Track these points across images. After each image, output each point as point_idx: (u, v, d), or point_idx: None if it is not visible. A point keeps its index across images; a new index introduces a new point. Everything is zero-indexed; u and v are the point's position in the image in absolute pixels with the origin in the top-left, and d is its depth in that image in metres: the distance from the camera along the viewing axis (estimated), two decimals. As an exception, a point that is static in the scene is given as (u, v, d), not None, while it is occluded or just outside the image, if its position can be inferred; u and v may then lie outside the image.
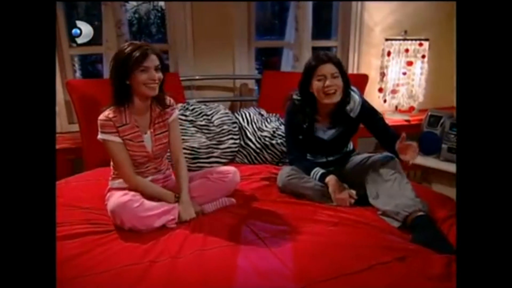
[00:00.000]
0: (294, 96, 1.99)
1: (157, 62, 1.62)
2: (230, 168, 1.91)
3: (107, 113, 1.65)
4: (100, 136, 1.66)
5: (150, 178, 1.80)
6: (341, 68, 1.88)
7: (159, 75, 1.62)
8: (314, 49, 2.96)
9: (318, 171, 1.91)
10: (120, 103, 1.66)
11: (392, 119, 3.05)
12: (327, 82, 1.82)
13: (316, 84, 1.85)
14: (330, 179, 1.87)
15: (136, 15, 4.25)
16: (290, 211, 1.72)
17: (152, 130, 1.74)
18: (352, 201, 1.84)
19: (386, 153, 1.92)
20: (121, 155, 1.68)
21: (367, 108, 1.96)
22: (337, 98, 1.86)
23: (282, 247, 1.43)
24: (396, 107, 3.03)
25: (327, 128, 1.98)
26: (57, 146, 2.51)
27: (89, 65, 3.86)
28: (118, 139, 1.65)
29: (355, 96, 1.93)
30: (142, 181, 1.73)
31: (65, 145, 2.55)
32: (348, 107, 1.92)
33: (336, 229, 1.57)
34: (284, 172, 1.96)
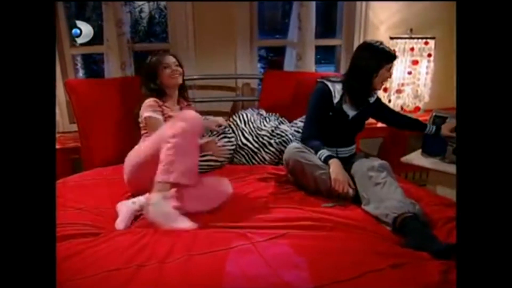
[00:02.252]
0: (326, 81, 2.09)
1: (173, 59, 2.11)
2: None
3: (151, 98, 2.03)
4: (147, 113, 1.98)
5: None
6: None
7: (179, 69, 2.11)
8: (318, 48, 2.92)
9: (324, 153, 1.97)
10: (156, 95, 2.06)
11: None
12: (390, 74, 2.06)
13: (385, 74, 2.02)
14: (334, 160, 1.93)
15: (142, 14, 4.25)
16: (285, 215, 1.68)
17: None
18: (351, 191, 1.85)
19: (377, 159, 1.98)
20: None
21: (380, 99, 2.26)
22: None
23: (274, 253, 1.39)
24: (402, 107, 2.97)
25: (352, 108, 2.10)
26: (58, 146, 2.52)
27: (94, 64, 3.87)
28: (161, 117, 2.00)
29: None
30: None
31: (66, 145, 2.56)
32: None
33: (330, 234, 1.52)
34: (294, 145, 2.03)
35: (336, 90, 2.06)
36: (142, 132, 2.08)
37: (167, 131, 1.76)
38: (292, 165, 1.96)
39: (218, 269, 1.31)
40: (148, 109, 1.99)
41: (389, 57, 2.00)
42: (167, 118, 2.02)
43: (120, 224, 1.65)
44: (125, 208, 1.72)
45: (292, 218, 1.65)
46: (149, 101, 2.02)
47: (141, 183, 1.80)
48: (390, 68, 2.03)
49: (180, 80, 2.12)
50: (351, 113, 2.10)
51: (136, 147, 1.99)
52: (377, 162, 1.91)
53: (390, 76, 2.07)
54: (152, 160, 1.73)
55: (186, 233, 1.54)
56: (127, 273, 1.28)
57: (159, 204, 1.61)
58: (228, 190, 1.91)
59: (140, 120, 2.07)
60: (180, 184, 1.68)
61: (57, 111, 2.67)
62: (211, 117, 2.39)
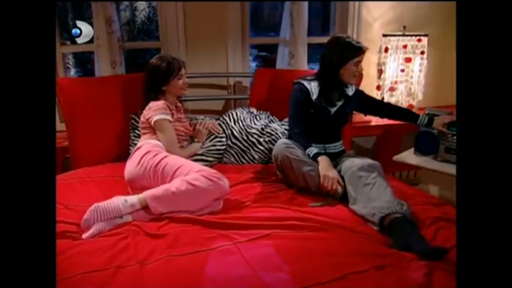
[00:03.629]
0: (302, 80, 2.12)
1: (184, 70, 2.15)
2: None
3: (161, 101, 2.05)
4: (161, 116, 2.01)
5: None
6: None
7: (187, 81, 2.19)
8: (310, 45, 2.89)
9: (312, 150, 1.97)
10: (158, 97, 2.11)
11: (391, 117, 2.96)
12: (360, 68, 2.05)
13: (351, 68, 2.02)
14: (322, 157, 1.93)
15: (136, 12, 4.23)
16: (271, 214, 1.66)
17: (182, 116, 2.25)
18: (340, 188, 1.84)
19: (367, 158, 1.96)
20: (173, 132, 2.06)
21: (360, 90, 2.25)
22: (359, 82, 2.18)
23: (256, 254, 1.38)
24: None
25: (332, 103, 2.11)
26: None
27: (88, 62, 3.84)
28: (171, 119, 2.06)
29: None
30: (182, 151, 2.10)
31: (57, 144, 2.53)
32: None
33: (315, 235, 1.50)
34: (283, 140, 2.01)
35: (313, 87, 2.08)
36: (144, 132, 2.08)
37: (198, 168, 1.79)
38: (281, 160, 1.94)
39: (198, 270, 1.30)
40: (159, 112, 2.01)
41: (354, 50, 2.00)
42: (175, 120, 2.10)
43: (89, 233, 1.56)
44: (107, 225, 1.62)
45: (278, 217, 1.63)
46: (160, 103, 2.04)
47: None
48: (358, 62, 2.03)
49: (186, 92, 2.23)
50: (332, 108, 2.11)
51: (146, 149, 1.93)
52: (367, 161, 1.89)
53: (359, 70, 2.06)
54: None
55: (169, 233, 1.53)
56: (106, 274, 1.27)
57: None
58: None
59: (143, 120, 2.06)
60: (154, 212, 1.68)
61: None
62: (213, 121, 2.42)
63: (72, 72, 3.39)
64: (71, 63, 3.34)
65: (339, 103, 2.12)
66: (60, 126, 2.72)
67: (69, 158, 2.45)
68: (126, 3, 4.02)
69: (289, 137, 2.11)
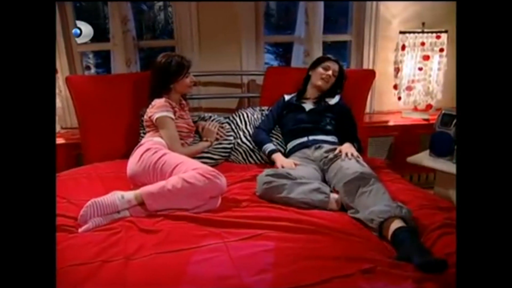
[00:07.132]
0: (285, 95, 2.44)
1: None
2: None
3: (163, 99, 2.08)
4: (162, 114, 2.04)
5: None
6: (342, 73, 2.38)
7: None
8: (325, 44, 2.84)
9: (268, 147, 2.24)
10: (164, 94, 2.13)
11: (410, 118, 2.87)
12: (329, 73, 2.31)
13: (319, 70, 2.34)
14: (276, 155, 2.18)
15: (156, 11, 4.28)
16: (265, 214, 1.63)
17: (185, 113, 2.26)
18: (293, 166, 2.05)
19: (362, 166, 1.88)
20: (174, 129, 2.08)
21: (344, 103, 2.37)
22: (326, 86, 2.34)
23: (243, 254, 1.34)
24: (415, 105, 2.83)
25: (309, 103, 2.37)
26: (63, 141, 2.59)
27: (108, 61, 3.92)
28: (173, 116, 2.07)
29: (337, 97, 2.39)
30: (185, 148, 2.12)
31: (71, 140, 2.61)
32: (327, 99, 2.36)
33: (307, 237, 1.45)
34: (261, 179, 1.85)
35: (289, 96, 2.44)
36: (148, 129, 2.11)
37: (195, 165, 1.77)
38: (269, 200, 1.80)
39: (181, 268, 1.28)
40: (161, 109, 2.04)
41: (322, 58, 2.39)
42: (178, 117, 2.11)
43: (85, 227, 1.58)
44: (103, 220, 1.63)
45: (272, 218, 1.59)
46: (161, 101, 2.07)
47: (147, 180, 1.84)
48: (327, 67, 2.32)
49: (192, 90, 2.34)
50: (308, 106, 2.34)
51: (147, 146, 1.95)
52: (361, 169, 1.83)
53: (327, 74, 2.31)
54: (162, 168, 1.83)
55: (161, 230, 1.52)
56: (91, 268, 1.28)
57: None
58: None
59: (146, 118, 2.09)
60: (149, 209, 1.68)
61: (65, 107, 2.75)
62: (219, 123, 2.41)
63: (93, 70, 3.46)
64: (92, 62, 3.42)
65: (316, 105, 2.32)
66: (75, 123, 2.79)
67: (82, 154, 2.51)
68: (149, 3, 4.08)
69: (254, 128, 2.39)
